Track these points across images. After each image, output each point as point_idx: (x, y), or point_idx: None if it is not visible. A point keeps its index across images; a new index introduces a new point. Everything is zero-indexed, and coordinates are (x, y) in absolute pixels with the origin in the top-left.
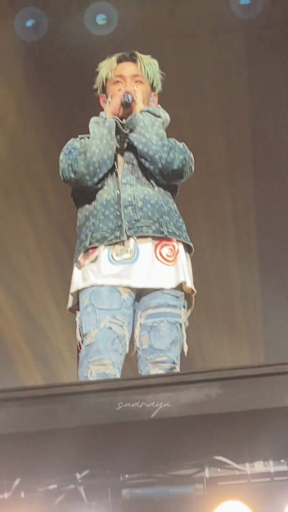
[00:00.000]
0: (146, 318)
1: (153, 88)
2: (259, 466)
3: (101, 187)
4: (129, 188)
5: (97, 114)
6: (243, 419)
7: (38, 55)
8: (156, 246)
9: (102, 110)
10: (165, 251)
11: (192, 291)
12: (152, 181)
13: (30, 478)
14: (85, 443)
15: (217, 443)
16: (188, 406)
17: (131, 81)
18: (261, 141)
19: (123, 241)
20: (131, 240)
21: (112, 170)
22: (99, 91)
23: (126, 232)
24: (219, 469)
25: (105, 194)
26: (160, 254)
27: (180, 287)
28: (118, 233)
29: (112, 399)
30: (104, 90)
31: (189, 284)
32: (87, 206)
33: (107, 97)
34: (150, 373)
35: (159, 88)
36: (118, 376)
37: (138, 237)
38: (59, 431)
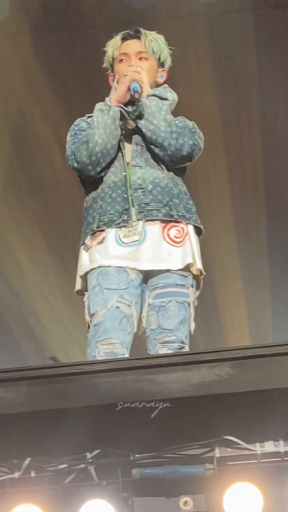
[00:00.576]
0: (154, 298)
1: (161, 64)
2: (269, 446)
3: (108, 170)
4: (139, 170)
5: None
6: (254, 399)
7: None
8: (164, 228)
9: (110, 88)
10: (173, 232)
11: (201, 272)
12: (161, 164)
13: (40, 457)
14: (95, 422)
15: (228, 423)
16: (199, 385)
17: (136, 59)
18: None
19: (131, 223)
20: (140, 222)
21: (119, 152)
22: (108, 70)
23: (136, 215)
24: (229, 449)
25: (113, 176)
26: (168, 235)
27: (187, 268)
28: (126, 217)
29: (123, 379)
30: (112, 69)
31: (198, 265)
32: (94, 188)
33: (114, 73)
34: (159, 353)
35: (168, 63)
36: (127, 355)
37: (147, 220)
38: (69, 411)
